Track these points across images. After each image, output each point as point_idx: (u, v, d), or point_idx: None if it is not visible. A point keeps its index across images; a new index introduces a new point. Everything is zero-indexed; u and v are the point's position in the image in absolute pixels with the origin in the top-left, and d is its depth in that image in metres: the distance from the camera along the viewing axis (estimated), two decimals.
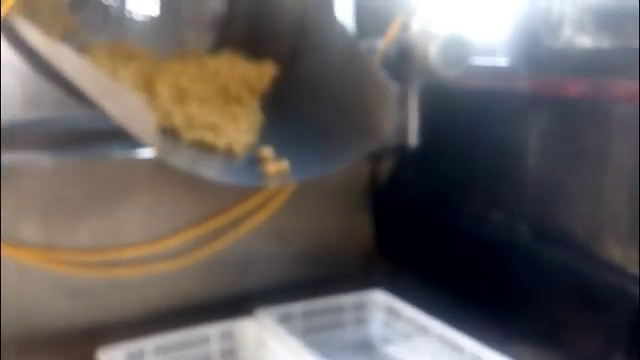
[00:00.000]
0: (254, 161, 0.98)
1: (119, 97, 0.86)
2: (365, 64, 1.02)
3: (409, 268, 1.25)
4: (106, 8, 1.20)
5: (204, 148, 0.97)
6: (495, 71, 1.16)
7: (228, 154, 0.98)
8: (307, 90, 1.09)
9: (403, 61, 1.08)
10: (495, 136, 1.15)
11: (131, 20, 1.22)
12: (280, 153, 0.97)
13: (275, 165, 0.95)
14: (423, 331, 1.05)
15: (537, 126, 1.13)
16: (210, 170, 0.94)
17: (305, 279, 1.18)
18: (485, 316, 1.09)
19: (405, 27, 1.08)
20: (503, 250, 1.15)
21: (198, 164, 0.94)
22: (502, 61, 1.15)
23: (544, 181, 1.12)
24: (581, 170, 1.06)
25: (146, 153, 1.02)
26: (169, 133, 0.98)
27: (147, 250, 1.06)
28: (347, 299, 1.10)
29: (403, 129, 1.09)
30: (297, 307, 1.06)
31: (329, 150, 0.99)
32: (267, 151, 0.98)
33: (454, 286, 1.16)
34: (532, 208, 1.14)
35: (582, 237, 1.06)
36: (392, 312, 1.09)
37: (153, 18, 1.24)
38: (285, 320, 1.04)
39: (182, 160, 0.92)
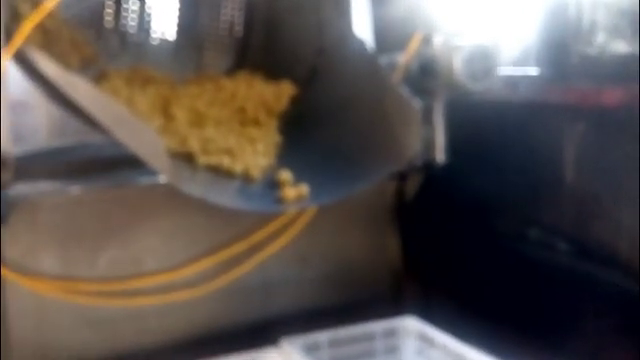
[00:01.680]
0: (272, 185, 0.94)
1: (129, 125, 0.84)
2: (386, 81, 0.98)
3: (440, 291, 1.20)
4: (124, 35, 1.18)
5: (221, 173, 0.95)
6: (525, 81, 1.11)
7: (245, 178, 0.95)
8: (326, 110, 1.06)
9: (426, 76, 1.04)
10: (528, 150, 1.10)
11: (149, 45, 1.20)
12: (299, 176, 0.94)
13: (294, 190, 0.91)
14: None
15: (572, 137, 1.07)
16: (225, 197, 0.91)
17: (330, 304, 1.14)
18: (523, 340, 1.05)
19: (427, 40, 1.05)
20: (542, 269, 1.09)
21: (213, 191, 0.91)
22: (532, 71, 1.10)
23: (583, 195, 1.06)
24: (622, 182, 1.00)
25: (161, 179, 1.00)
26: (185, 159, 0.95)
27: (166, 278, 1.04)
28: (377, 326, 1.05)
29: (430, 146, 1.05)
30: (324, 336, 1.02)
31: (350, 172, 0.95)
32: (285, 175, 0.94)
33: (489, 309, 1.10)
34: (571, 224, 1.08)
35: (626, 254, 0.99)
36: (425, 339, 1.04)
37: (170, 42, 1.22)
38: (311, 350, 1.00)
39: (196, 187, 0.89)
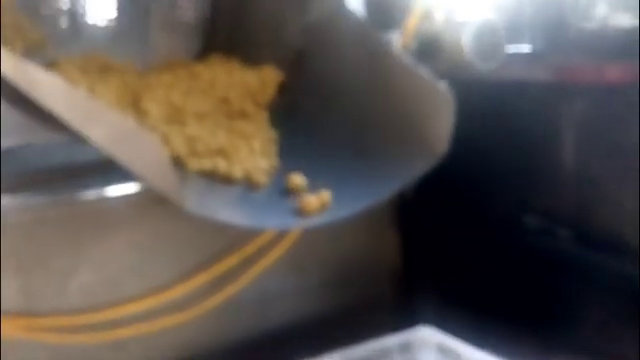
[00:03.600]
0: (281, 192, 0.80)
1: (122, 134, 0.68)
2: (399, 62, 0.85)
3: (447, 290, 1.10)
4: (74, 17, 1.01)
5: (216, 179, 0.80)
6: (518, 59, 1.02)
7: (247, 185, 0.80)
8: (321, 100, 0.92)
9: (428, 56, 0.92)
10: (524, 131, 1.02)
11: (101, 29, 1.03)
12: (312, 181, 0.79)
13: (315, 198, 0.76)
14: None
15: (571, 118, 1.00)
16: (238, 214, 0.76)
17: (331, 313, 1.01)
18: (527, 332, 0.97)
19: (427, 17, 0.93)
20: (542, 258, 1.02)
21: (213, 201, 0.77)
22: (525, 48, 1.01)
23: (584, 178, 0.99)
24: (625, 164, 0.93)
25: (132, 187, 0.85)
26: (171, 164, 0.80)
27: (150, 303, 0.88)
28: (390, 341, 0.93)
29: None
30: (334, 358, 0.89)
31: (373, 173, 0.81)
32: (298, 179, 0.79)
33: (497, 306, 1.02)
34: (572, 210, 1.01)
35: (631, 238, 0.92)
36: (444, 351, 0.93)
37: (126, 24, 1.04)
38: None
39: (204, 206, 0.74)
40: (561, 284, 1.00)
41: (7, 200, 0.79)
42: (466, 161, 1.05)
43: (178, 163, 0.80)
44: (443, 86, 0.81)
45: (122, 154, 0.63)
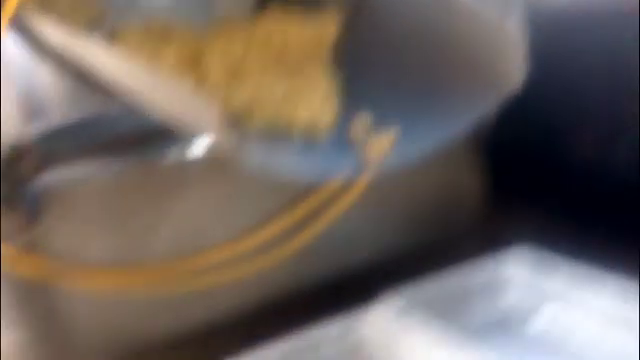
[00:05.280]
0: (343, 139, 0.77)
1: (167, 89, 0.69)
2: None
3: (534, 215, 1.06)
4: None
5: (279, 133, 0.78)
6: None
7: (310, 134, 0.78)
8: (387, 37, 0.88)
9: None
10: (606, 60, 0.97)
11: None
12: (377, 126, 0.76)
13: (378, 141, 0.74)
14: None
15: None
16: (295, 164, 0.74)
17: (418, 247, 1.01)
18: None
19: None
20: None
21: (276, 156, 0.75)
22: None
23: None
24: None
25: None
26: (231, 123, 0.79)
27: (235, 249, 0.91)
28: (480, 264, 0.92)
29: None
30: (425, 288, 0.88)
31: (441, 109, 0.78)
32: (363, 122, 0.77)
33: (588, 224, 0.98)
34: None
35: None
36: (540, 267, 0.91)
37: None
38: (415, 306, 0.86)
39: (256, 155, 0.73)
40: None
41: (84, 169, 0.82)
42: (545, 92, 1.00)
43: (241, 119, 0.79)
44: (511, 23, 0.75)
45: (180, 119, 0.64)
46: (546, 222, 1.04)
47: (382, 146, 0.74)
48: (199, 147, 0.86)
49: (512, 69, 0.76)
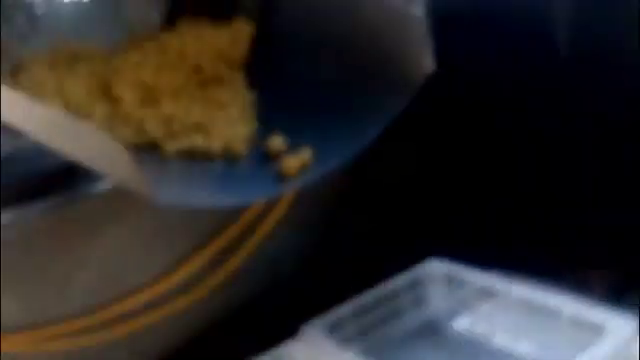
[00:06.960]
0: (263, 157, 0.76)
1: (72, 131, 0.64)
2: None
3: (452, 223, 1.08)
4: (31, 8, 0.95)
5: (197, 157, 0.76)
6: None
7: (228, 156, 0.76)
8: (298, 47, 0.86)
9: None
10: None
11: (62, 15, 0.98)
12: (294, 139, 0.75)
13: (294, 159, 0.72)
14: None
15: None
16: (214, 189, 0.73)
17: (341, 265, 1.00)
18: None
19: None
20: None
21: (195, 184, 0.73)
22: None
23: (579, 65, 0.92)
24: (623, 43, 0.86)
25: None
26: (147, 149, 0.77)
27: (155, 291, 0.86)
28: (400, 279, 0.94)
29: None
30: (347, 308, 0.90)
31: (356, 115, 0.76)
32: (278, 140, 0.75)
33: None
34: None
35: None
36: (454, 281, 0.93)
37: (85, 3, 0.99)
38: (336, 328, 0.88)
39: (175, 191, 0.70)
40: None
41: None
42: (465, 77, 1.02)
43: (155, 148, 0.77)
44: (415, 8, 0.75)
45: (83, 157, 0.61)
46: (457, 237, 1.06)
47: (301, 162, 0.73)
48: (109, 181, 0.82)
49: (420, 57, 0.73)
